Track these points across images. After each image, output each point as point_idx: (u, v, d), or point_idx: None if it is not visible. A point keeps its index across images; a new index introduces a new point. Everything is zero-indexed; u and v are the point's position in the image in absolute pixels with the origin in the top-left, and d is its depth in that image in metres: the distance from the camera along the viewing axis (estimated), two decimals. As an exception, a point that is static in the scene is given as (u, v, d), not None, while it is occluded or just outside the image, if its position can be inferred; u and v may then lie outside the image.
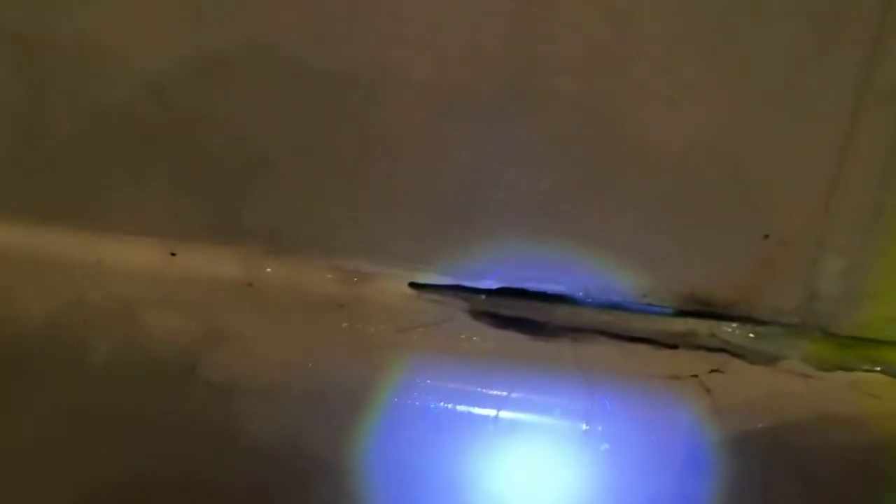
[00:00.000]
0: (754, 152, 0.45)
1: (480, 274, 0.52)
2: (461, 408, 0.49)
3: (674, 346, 0.50)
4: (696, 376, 0.48)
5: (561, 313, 0.51)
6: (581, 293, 0.51)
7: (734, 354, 0.49)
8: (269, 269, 0.53)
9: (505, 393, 0.48)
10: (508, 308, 0.52)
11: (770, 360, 0.49)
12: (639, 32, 0.43)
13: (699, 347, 0.50)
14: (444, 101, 0.47)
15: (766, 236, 0.47)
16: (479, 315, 0.51)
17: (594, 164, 0.47)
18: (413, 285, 0.52)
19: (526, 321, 0.51)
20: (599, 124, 0.46)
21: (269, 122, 0.50)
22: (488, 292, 0.52)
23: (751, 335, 0.50)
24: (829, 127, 0.44)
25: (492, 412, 0.48)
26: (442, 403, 0.49)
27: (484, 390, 0.49)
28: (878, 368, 0.48)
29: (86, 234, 0.55)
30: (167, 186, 0.53)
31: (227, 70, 0.48)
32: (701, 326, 0.50)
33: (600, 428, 0.47)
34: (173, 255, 0.54)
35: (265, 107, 0.49)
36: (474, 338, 0.51)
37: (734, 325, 0.50)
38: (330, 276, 0.53)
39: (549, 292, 0.51)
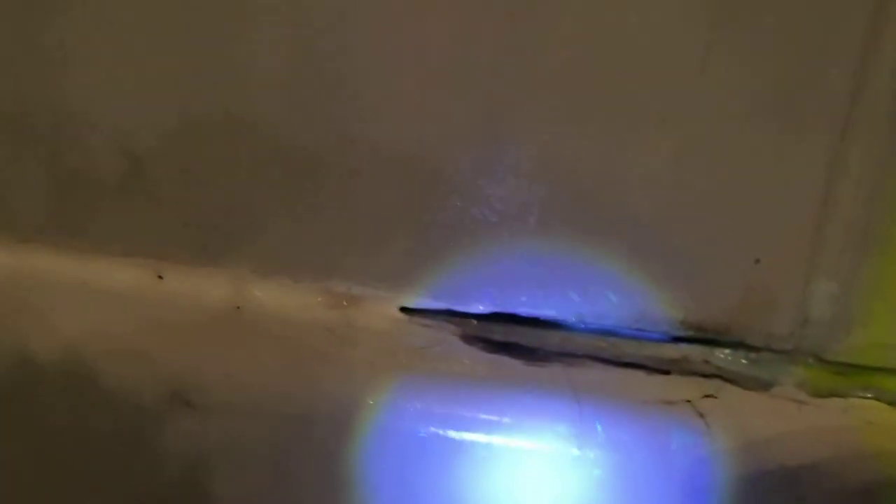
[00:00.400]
0: (743, 173, 0.45)
1: (472, 298, 0.51)
2: (451, 433, 0.48)
3: (666, 372, 0.49)
4: (689, 401, 0.48)
5: (553, 339, 0.51)
6: (573, 318, 0.50)
7: (727, 380, 0.49)
8: (257, 292, 0.53)
9: (496, 418, 0.48)
10: (500, 333, 0.51)
11: (764, 386, 0.49)
12: (627, 47, 0.44)
13: (692, 373, 0.49)
14: (432, 120, 0.47)
15: (757, 260, 0.47)
16: (470, 339, 0.51)
17: (585, 183, 0.47)
18: (403, 309, 0.52)
19: (518, 346, 0.51)
20: (589, 141, 0.46)
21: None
22: (479, 317, 0.51)
23: (744, 361, 0.49)
24: (818, 147, 0.44)
25: (483, 437, 0.47)
26: (432, 428, 0.48)
27: (475, 415, 0.48)
28: (871, 395, 0.48)
29: (70, 256, 0.54)
30: (154, 210, 0.52)
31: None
32: (694, 352, 0.50)
33: (592, 453, 0.47)
34: (160, 277, 0.54)
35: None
36: (465, 362, 0.50)
37: (727, 351, 0.49)
38: (319, 299, 0.52)
39: (541, 317, 0.51)
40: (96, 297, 0.53)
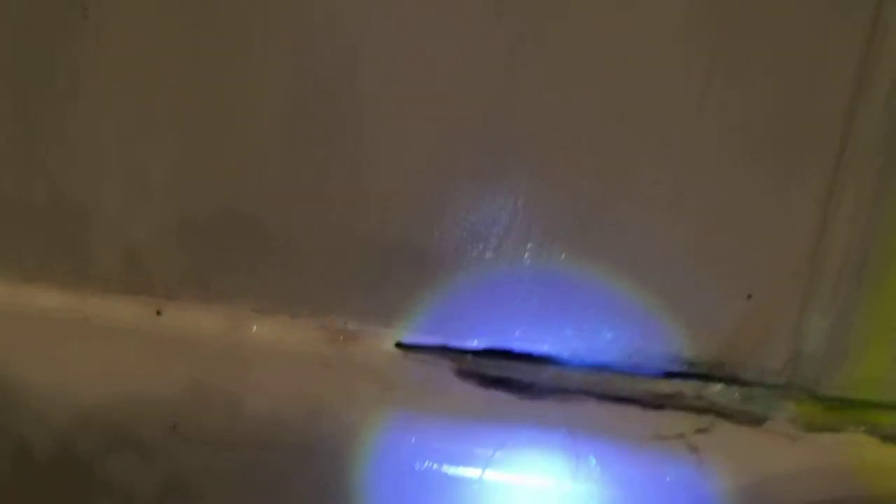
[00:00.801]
0: (737, 209, 0.46)
1: (467, 334, 0.52)
2: (446, 467, 0.48)
3: (660, 407, 0.50)
4: (682, 436, 0.48)
5: (547, 374, 0.51)
6: (567, 354, 0.51)
7: (721, 415, 0.49)
8: (254, 328, 0.53)
9: (491, 452, 0.48)
10: (495, 368, 0.51)
11: (757, 421, 0.49)
12: (626, 85, 0.45)
13: (686, 408, 0.50)
14: (430, 156, 0.48)
15: (750, 296, 0.48)
16: (465, 375, 0.51)
17: (579, 220, 0.48)
18: (399, 345, 0.52)
19: (512, 381, 0.51)
20: (585, 178, 0.47)
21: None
22: (474, 352, 0.52)
23: (737, 396, 0.49)
24: (811, 182, 0.45)
25: (477, 471, 0.47)
26: (427, 462, 0.48)
27: (470, 449, 0.48)
28: (864, 429, 0.48)
29: (71, 292, 0.55)
30: (154, 245, 0.53)
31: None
32: (687, 388, 0.50)
33: (587, 488, 0.47)
34: (159, 313, 0.54)
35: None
36: (460, 397, 0.50)
37: (720, 386, 0.50)
38: (316, 335, 0.53)
39: (535, 353, 0.51)
40: (95, 332, 0.54)
